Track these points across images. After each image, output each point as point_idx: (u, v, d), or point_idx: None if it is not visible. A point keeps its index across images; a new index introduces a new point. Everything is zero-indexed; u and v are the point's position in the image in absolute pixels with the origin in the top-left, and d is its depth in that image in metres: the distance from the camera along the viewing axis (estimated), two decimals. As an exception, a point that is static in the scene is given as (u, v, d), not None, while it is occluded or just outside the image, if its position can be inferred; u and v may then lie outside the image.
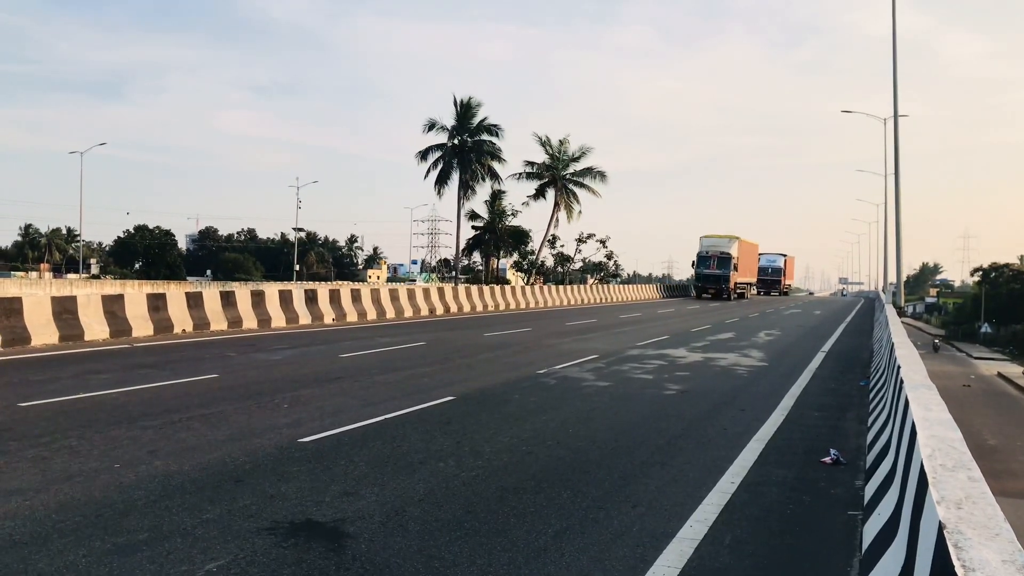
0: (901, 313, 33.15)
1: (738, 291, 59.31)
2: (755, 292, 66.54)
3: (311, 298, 22.94)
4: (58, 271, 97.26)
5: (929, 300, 63.19)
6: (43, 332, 15.27)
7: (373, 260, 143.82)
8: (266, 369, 13.13)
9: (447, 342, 18.55)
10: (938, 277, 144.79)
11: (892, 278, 47.11)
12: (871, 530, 5.38)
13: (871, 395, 11.78)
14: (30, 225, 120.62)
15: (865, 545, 5.30)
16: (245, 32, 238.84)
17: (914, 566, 3.60)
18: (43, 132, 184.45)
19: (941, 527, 3.09)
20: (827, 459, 8.10)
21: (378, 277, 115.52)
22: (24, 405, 9.29)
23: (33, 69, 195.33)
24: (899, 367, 8.50)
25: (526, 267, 61.49)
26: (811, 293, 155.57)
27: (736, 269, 57.22)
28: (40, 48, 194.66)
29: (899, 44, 33.51)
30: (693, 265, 58.54)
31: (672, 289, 65.09)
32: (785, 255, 75.18)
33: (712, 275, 56.29)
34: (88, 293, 17.91)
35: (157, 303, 18.11)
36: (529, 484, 6.80)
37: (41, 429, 8.12)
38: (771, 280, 73.27)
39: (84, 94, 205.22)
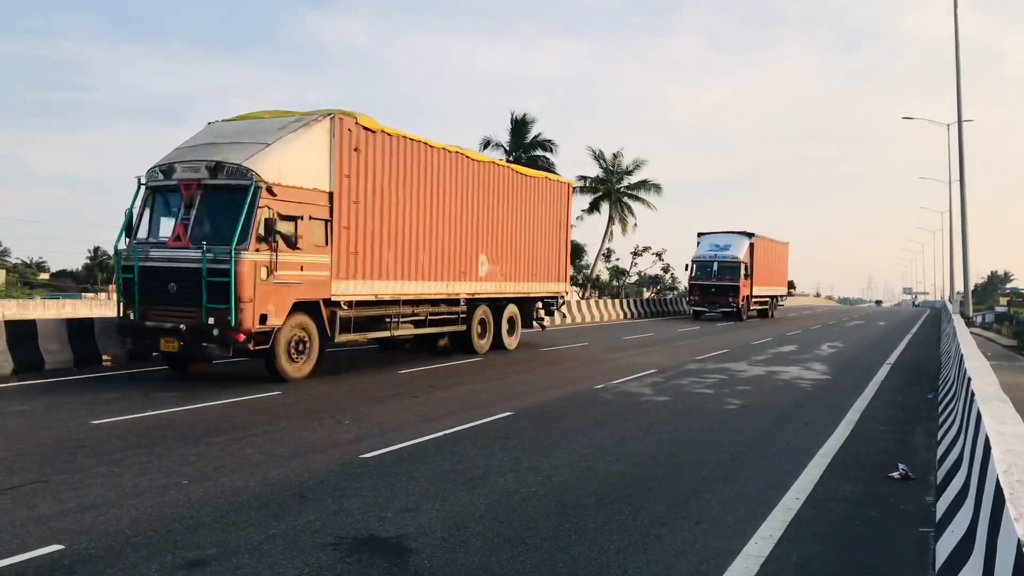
0: (969, 323, 32.18)
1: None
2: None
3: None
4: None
5: (999, 309, 60.14)
6: (112, 351, 15.71)
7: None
8: (326, 385, 13.30)
9: (503, 357, 18.58)
10: (1008, 285, 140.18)
11: (959, 287, 45.78)
12: (945, 548, 5.22)
13: (940, 408, 11.44)
14: (99, 248, 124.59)
15: (939, 563, 5.14)
16: (302, 55, 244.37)
17: (992, 586, 3.48)
18: (109, 157, 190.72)
19: (1020, 545, 2.99)
20: (895, 474, 7.89)
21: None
22: (96, 423, 9.57)
23: (99, 96, 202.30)
24: (969, 379, 8.25)
25: (581, 281, 61.20)
26: (879, 303, 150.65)
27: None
28: (105, 75, 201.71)
29: (961, 46, 32.70)
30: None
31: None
32: (752, 235, 42.65)
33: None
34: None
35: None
36: (589, 500, 6.76)
37: (113, 446, 8.36)
38: (719, 286, 40.95)
39: (147, 119, 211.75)
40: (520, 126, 52.22)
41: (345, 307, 14.14)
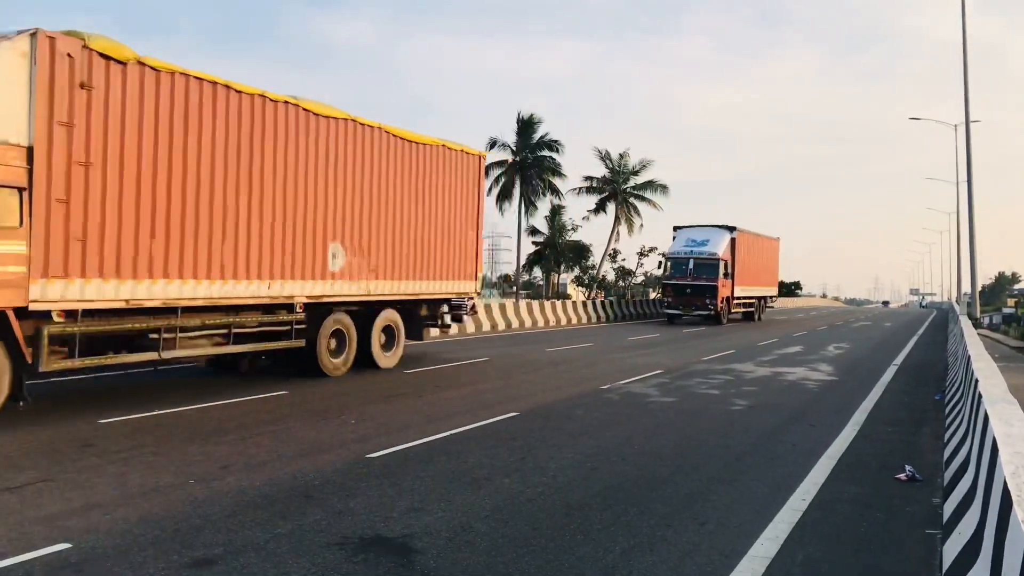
0: (977, 324, 32.05)
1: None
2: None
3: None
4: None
5: (1007, 311, 59.74)
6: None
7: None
8: (333, 385, 13.32)
9: (509, 357, 18.58)
10: (1016, 287, 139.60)
11: (966, 288, 45.63)
12: (952, 549, 5.21)
13: (947, 410, 11.41)
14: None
15: (946, 565, 5.12)
16: (310, 55, 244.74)
17: (999, 588, 3.47)
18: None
19: (1028, 548, 2.98)
20: (902, 475, 7.87)
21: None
22: (104, 422, 9.60)
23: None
24: (976, 380, 8.22)
25: (587, 282, 61.12)
26: (886, 304, 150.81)
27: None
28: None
29: (968, 47, 32.59)
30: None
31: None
32: (733, 230, 38.26)
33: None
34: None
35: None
36: (595, 501, 6.76)
37: (120, 445, 8.38)
38: (695, 286, 36.23)
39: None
40: (526, 126, 52.21)
41: (61, 319, 9.69)
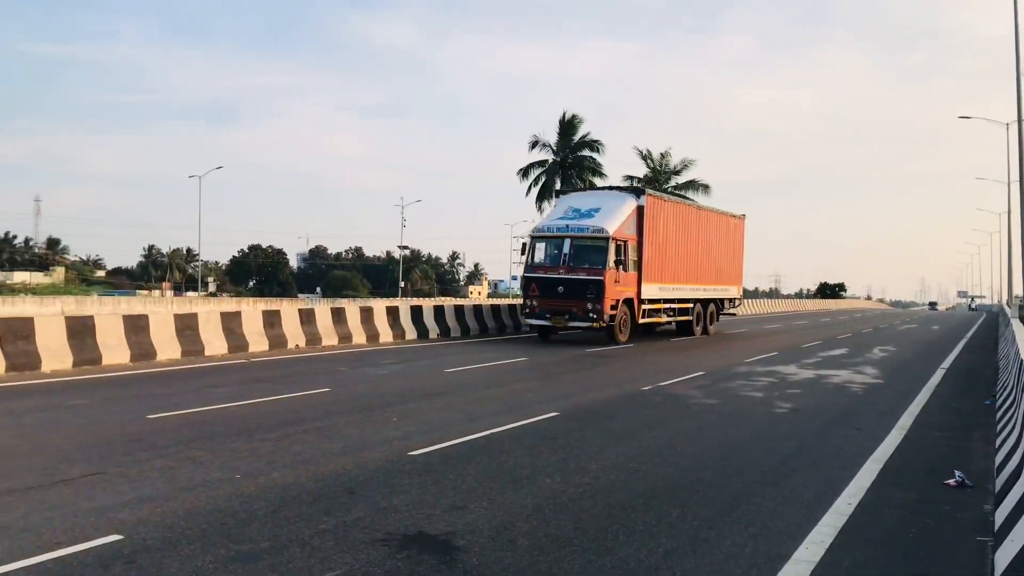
0: (1029, 328, 31.27)
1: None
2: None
3: (416, 314, 23.39)
4: (178, 289, 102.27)
5: (1060, 314, 58.32)
6: (167, 348, 16.08)
7: (474, 276, 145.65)
8: (375, 383, 13.45)
9: (549, 357, 18.57)
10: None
11: (1018, 291, 44.57)
12: (1004, 557, 5.09)
13: (998, 415, 11.15)
14: (153, 246, 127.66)
15: (998, 573, 5.01)
16: (350, 56, 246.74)
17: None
18: (163, 157, 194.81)
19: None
20: (951, 481, 7.71)
21: (479, 293, 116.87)
22: (152, 417, 9.81)
23: (153, 98, 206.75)
24: (1030, 385, 8.03)
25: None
26: (933, 306, 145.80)
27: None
28: (159, 77, 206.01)
29: (1021, 43, 31.81)
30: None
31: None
32: (641, 193, 25.19)
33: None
34: (208, 310, 18.78)
35: (272, 320, 18.84)
36: (637, 502, 6.73)
37: (167, 440, 8.55)
38: (570, 282, 22.93)
39: (201, 120, 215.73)
40: (568, 127, 52.15)
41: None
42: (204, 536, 5.53)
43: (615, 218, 23.34)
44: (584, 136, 52.35)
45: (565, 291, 22.70)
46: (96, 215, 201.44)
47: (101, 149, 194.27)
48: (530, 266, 23.64)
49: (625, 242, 23.22)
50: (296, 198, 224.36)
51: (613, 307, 22.66)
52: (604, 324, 22.56)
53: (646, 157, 55.31)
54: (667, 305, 26.01)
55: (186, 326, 16.77)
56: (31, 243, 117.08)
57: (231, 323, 17.84)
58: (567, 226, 23.41)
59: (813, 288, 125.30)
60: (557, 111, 72.09)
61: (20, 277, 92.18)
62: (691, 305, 27.43)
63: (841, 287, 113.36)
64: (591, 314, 22.36)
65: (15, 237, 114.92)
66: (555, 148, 51.97)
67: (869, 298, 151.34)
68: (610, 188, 27.03)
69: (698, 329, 28.01)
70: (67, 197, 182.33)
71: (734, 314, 34.66)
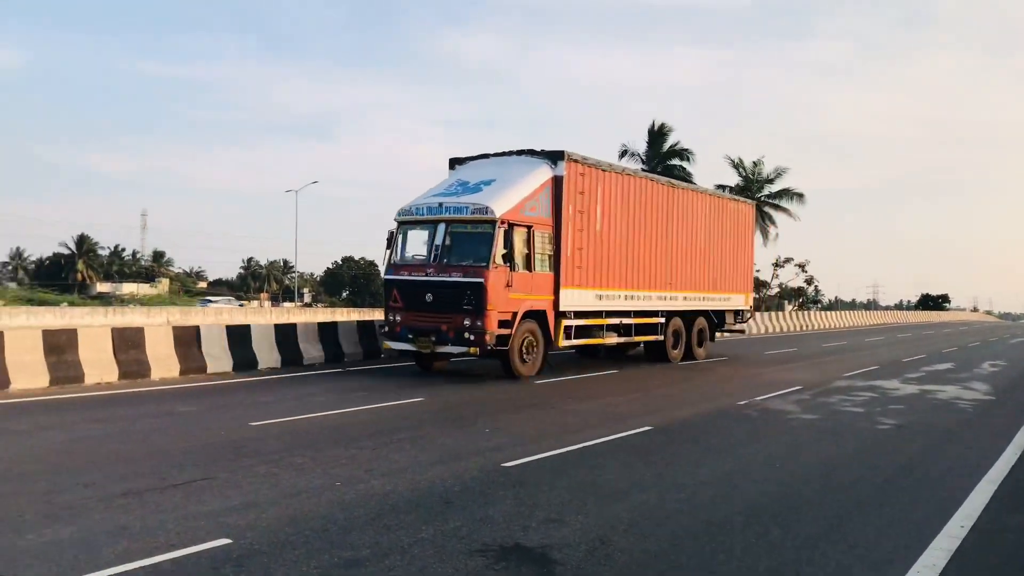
0: None
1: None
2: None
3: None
4: (275, 300, 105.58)
5: None
6: (267, 357, 16.60)
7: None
8: (467, 393, 13.57)
9: (639, 371, 18.39)
10: None
11: None
12: None
13: (1124, 435, 10.48)
14: (251, 258, 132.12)
15: None
16: (440, 71, 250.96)
17: None
18: (262, 172, 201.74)
19: None
20: (1075, 506, 7.29)
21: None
22: (255, 424, 10.14)
23: (252, 114, 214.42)
24: None
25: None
26: None
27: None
28: (258, 94, 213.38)
29: None
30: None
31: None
32: (558, 159, 16.52)
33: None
34: (305, 321, 19.32)
35: (367, 329, 19.24)
36: (736, 519, 6.59)
37: (270, 447, 8.83)
38: (440, 287, 15.29)
39: (294, 135, 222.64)
40: (657, 136, 51.77)
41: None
42: (308, 542, 5.68)
43: (511, 193, 15.68)
44: (673, 145, 51.85)
45: (434, 300, 15.32)
46: (198, 228, 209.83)
47: (203, 164, 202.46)
48: (393, 265, 16.30)
49: (529, 228, 15.67)
50: (388, 210, 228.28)
51: (505, 323, 15.10)
52: (490, 349, 14.93)
53: (737, 166, 54.43)
54: (617, 320, 18.39)
55: (285, 336, 17.28)
56: (138, 256, 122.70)
57: (326, 332, 18.30)
58: (441, 205, 15.69)
59: (914, 299, 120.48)
60: (645, 120, 71.66)
61: (128, 288, 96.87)
62: (661, 320, 19.92)
63: (944, 298, 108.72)
64: (467, 334, 14.86)
65: (124, 250, 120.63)
66: (644, 157, 51.61)
67: (975, 310, 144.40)
68: (520, 152, 17.08)
69: (675, 352, 20.72)
70: (171, 211, 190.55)
71: (742, 331, 26.73)
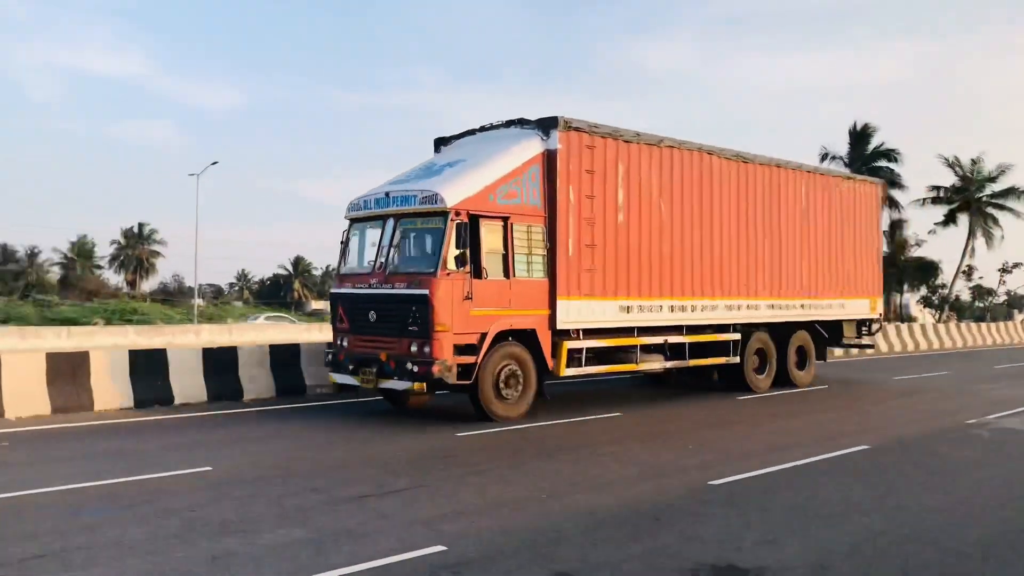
0: None
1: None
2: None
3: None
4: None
5: None
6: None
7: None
8: (666, 408, 13.37)
9: (848, 385, 17.35)
10: None
11: None
12: None
13: None
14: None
15: None
16: (625, 83, 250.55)
17: None
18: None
19: None
20: None
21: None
22: (460, 435, 10.49)
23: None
24: None
25: (936, 302, 55.40)
26: None
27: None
28: (450, 119, 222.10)
29: None
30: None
31: None
32: (551, 128, 12.26)
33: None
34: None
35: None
36: (972, 549, 6.04)
37: (477, 457, 9.11)
38: (382, 300, 11.66)
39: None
40: (860, 137, 48.96)
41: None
42: (518, 553, 5.78)
43: (475, 174, 11.86)
44: (879, 146, 48.81)
45: (377, 320, 11.84)
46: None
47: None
48: (340, 275, 13.09)
49: (505, 220, 11.73)
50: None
51: (467, 348, 11.30)
52: (427, 377, 10.96)
53: (953, 164, 50.23)
54: (660, 339, 13.80)
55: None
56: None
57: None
58: (388, 195, 12.18)
59: None
60: (845, 121, 67.90)
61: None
62: (734, 337, 15.12)
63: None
64: (410, 364, 11.14)
65: (335, 269, 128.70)
66: (847, 160, 48.92)
67: None
68: (510, 123, 13.12)
69: (760, 379, 15.83)
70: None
71: (871, 345, 20.25)
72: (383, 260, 11.86)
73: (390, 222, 11.96)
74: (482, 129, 13.67)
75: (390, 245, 11.90)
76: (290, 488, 7.62)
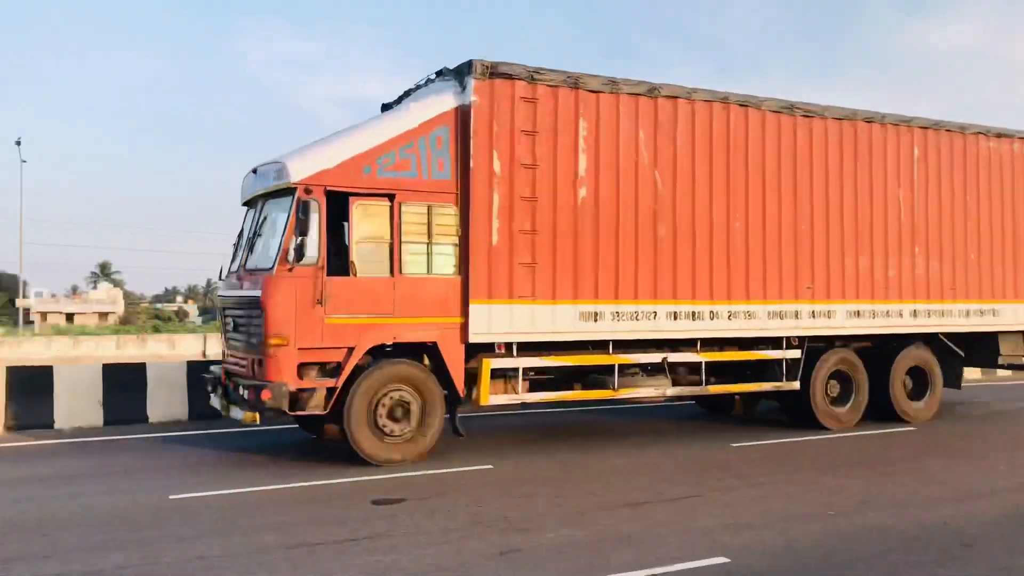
0: None
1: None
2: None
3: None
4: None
5: None
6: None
7: None
8: (962, 426, 12.10)
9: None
10: None
11: None
12: None
13: None
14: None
15: None
16: (903, 67, 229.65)
17: None
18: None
19: None
20: None
21: None
22: (736, 445, 10.15)
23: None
24: None
25: None
26: None
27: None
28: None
29: None
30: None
31: None
32: (464, 72, 9.34)
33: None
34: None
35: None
36: None
37: (755, 469, 8.80)
38: (238, 302, 9.50)
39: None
40: None
41: None
42: (805, 570, 5.49)
43: (345, 140, 9.26)
44: None
45: (233, 329, 9.77)
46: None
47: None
48: (223, 278, 10.65)
49: (390, 198, 9.09)
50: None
51: (318, 368, 8.88)
52: (282, 408, 8.54)
53: None
54: (653, 356, 10.36)
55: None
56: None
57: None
58: (256, 171, 9.80)
59: None
60: None
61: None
62: (789, 355, 11.17)
63: None
64: (241, 389, 8.96)
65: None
66: None
67: None
68: (436, 76, 10.05)
69: (842, 412, 11.63)
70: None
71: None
72: (244, 254, 9.71)
73: (258, 204, 9.75)
74: (416, 87, 10.48)
75: (252, 235, 9.67)
76: (565, 491, 7.79)
